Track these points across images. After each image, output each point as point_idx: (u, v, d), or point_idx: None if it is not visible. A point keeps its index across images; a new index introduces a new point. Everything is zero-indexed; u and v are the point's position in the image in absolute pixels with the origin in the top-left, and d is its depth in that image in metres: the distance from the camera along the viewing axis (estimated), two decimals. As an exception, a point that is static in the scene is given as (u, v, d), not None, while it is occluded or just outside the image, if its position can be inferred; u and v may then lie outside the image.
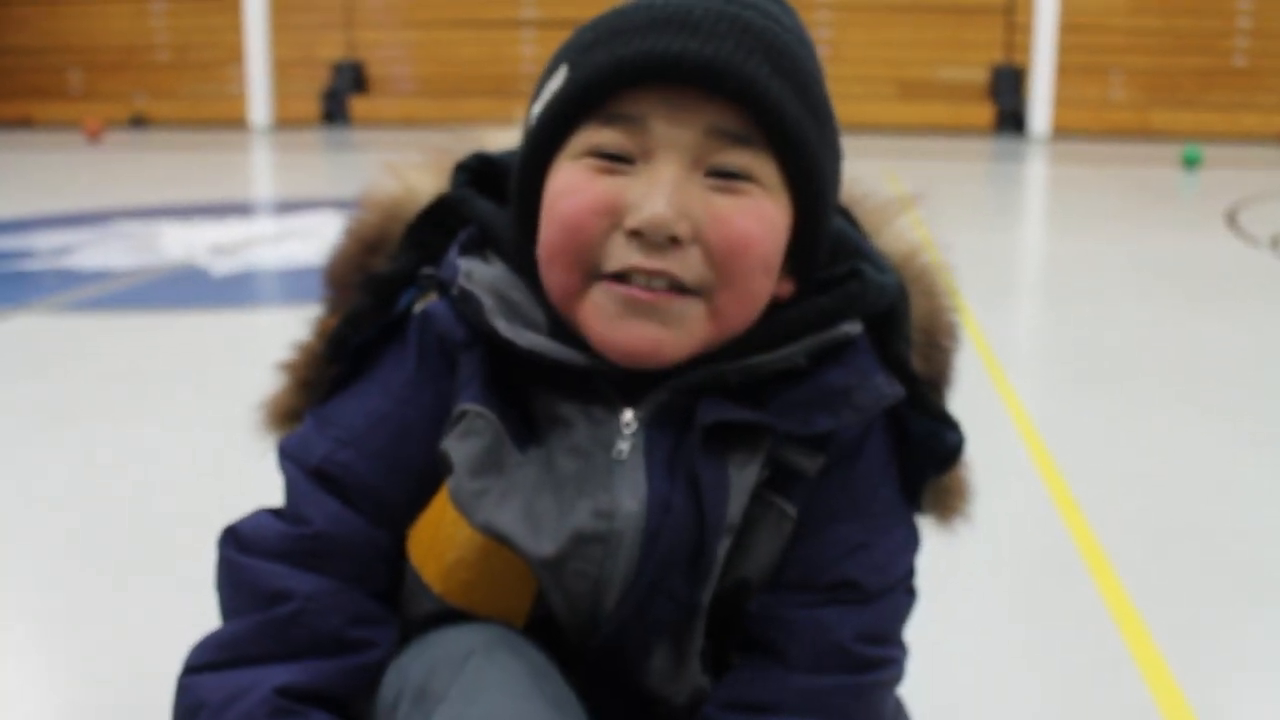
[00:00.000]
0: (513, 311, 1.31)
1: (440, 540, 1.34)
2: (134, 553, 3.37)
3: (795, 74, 1.27)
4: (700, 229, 1.24)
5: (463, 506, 1.29)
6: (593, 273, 1.26)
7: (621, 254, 1.25)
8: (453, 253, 1.36)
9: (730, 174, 1.26)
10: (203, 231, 9.44)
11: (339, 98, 24.24)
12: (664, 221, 1.22)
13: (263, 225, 10.10)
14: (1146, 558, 3.39)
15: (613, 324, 1.26)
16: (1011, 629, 2.99)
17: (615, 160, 1.26)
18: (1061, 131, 21.51)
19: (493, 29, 24.39)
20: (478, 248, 1.38)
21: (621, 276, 1.25)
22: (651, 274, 1.24)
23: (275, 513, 1.39)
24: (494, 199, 1.41)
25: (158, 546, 3.40)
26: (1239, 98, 22.54)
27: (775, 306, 1.33)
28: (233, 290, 7.49)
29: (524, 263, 1.34)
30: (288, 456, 1.39)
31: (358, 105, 24.22)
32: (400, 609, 1.40)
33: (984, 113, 22.76)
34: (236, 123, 22.88)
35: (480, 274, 1.33)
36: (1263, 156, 18.17)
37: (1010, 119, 22.41)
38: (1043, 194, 14.61)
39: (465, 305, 1.31)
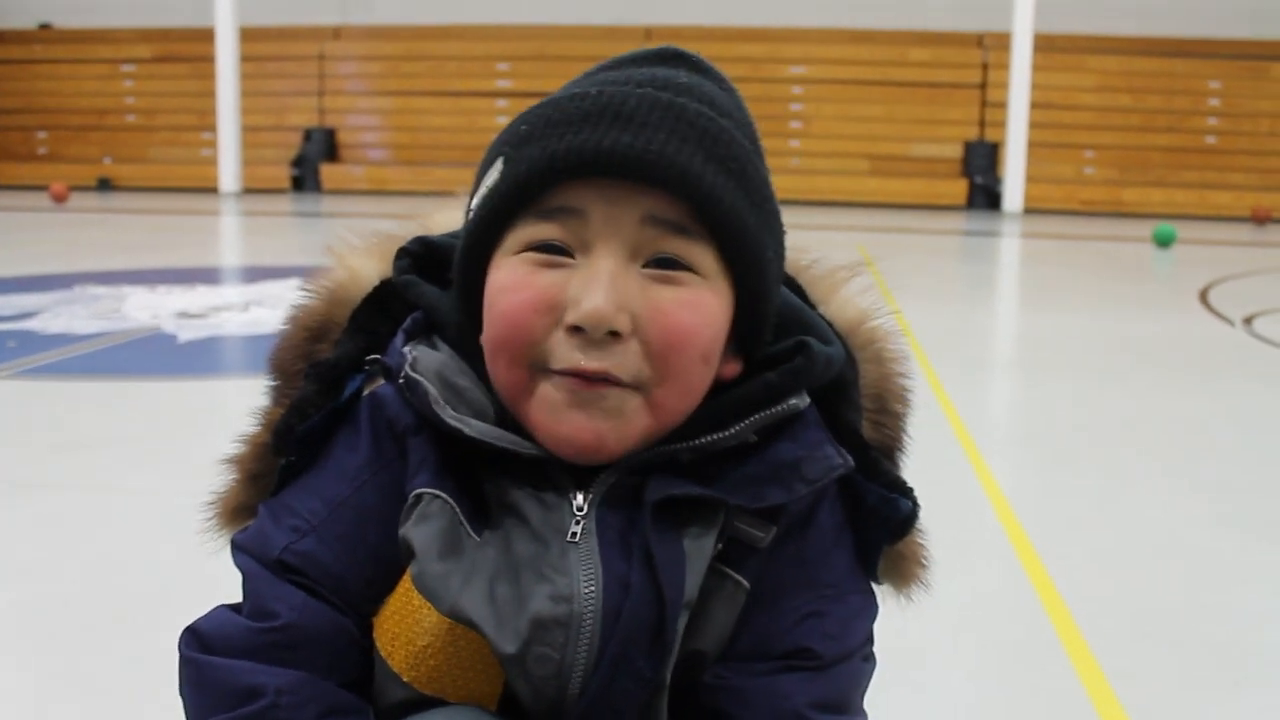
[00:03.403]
0: (459, 398, 1.31)
1: (407, 628, 1.32)
2: (91, 626, 3.28)
3: (730, 160, 1.27)
4: (639, 322, 1.24)
5: (428, 592, 1.27)
6: (536, 366, 1.26)
7: (563, 353, 1.24)
8: (399, 339, 1.35)
9: (669, 264, 1.26)
10: (169, 297, 9.34)
11: (309, 164, 24.28)
12: (603, 317, 1.22)
13: (230, 292, 10.04)
14: (1123, 638, 3.38)
15: (557, 417, 1.25)
16: (986, 708, 2.97)
17: (554, 253, 1.26)
18: (1035, 207, 21.67)
19: (466, 98, 24.51)
20: (423, 333, 1.37)
21: (563, 374, 1.25)
22: (592, 374, 1.24)
23: (236, 608, 1.34)
24: (437, 282, 1.40)
25: (117, 620, 3.32)
26: (1210, 176, 22.77)
27: (723, 385, 1.33)
28: (198, 357, 7.42)
29: (469, 348, 1.34)
30: (244, 551, 1.35)
31: (328, 172, 24.25)
32: (372, 699, 1.36)
33: (957, 188, 22.92)
34: (206, 188, 22.85)
35: (426, 361, 1.32)
36: (1235, 234, 18.33)
37: (984, 194, 22.58)
38: (1017, 270, 14.74)
39: (411, 394, 1.30)
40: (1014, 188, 21.82)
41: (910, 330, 1.80)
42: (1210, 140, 23.28)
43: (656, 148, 1.22)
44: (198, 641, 1.31)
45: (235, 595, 1.36)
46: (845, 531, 1.39)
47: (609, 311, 1.21)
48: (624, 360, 1.24)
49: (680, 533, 1.29)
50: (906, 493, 1.38)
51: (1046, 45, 21.94)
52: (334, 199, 22.24)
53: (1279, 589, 3.79)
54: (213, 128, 23.22)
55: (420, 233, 1.46)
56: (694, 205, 1.24)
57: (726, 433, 1.30)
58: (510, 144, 1.30)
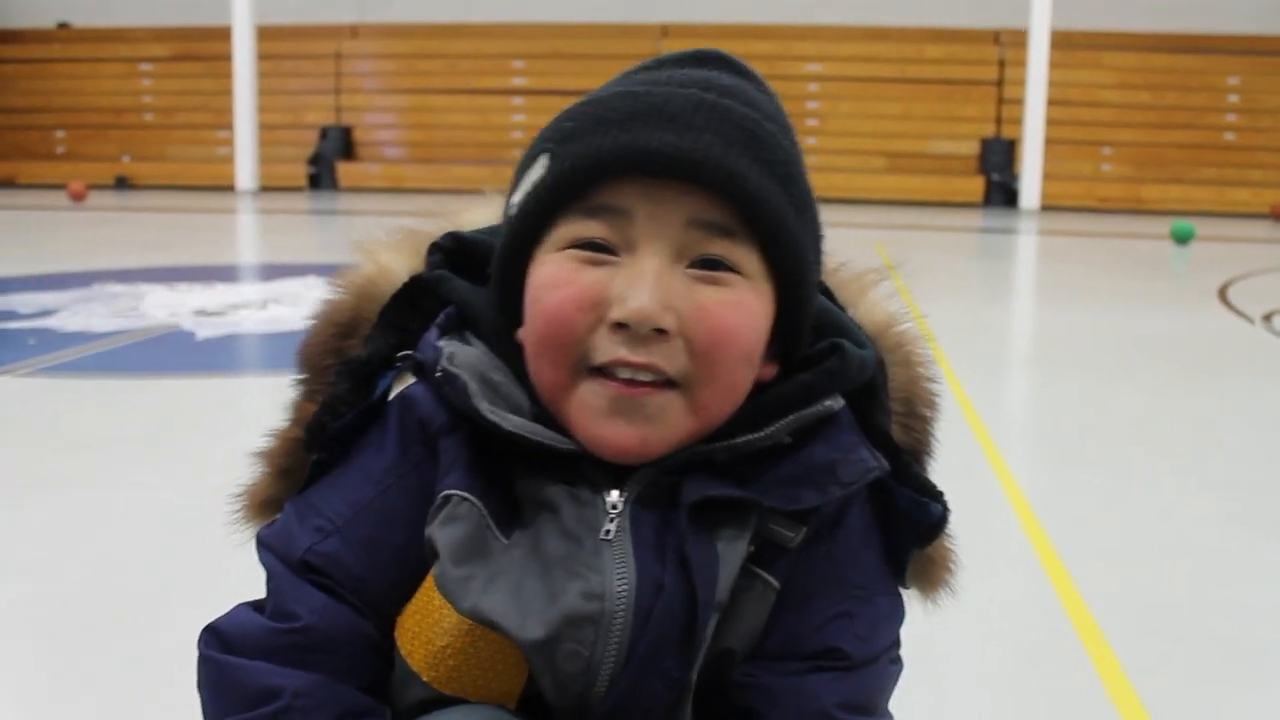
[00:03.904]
0: (495, 393, 1.30)
1: (427, 627, 1.31)
2: (105, 622, 3.25)
3: (775, 163, 1.27)
4: (684, 321, 1.25)
5: (448, 593, 1.28)
6: (579, 366, 1.26)
7: (607, 347, 1.24)
8: (432, 334, 1.35)
9: (713, 265, 1.26)
10: (187, 295, 9.35)
11: (326, 162, 24.30)
12: (648, 314, 1.22)
13: (248, 289, 10.04)
14: (1141, 634, 3.36)
15: (599, 421, 1.26)
16: (1006, 704, 2.96)
17: (599, 251, 1.26)
18: (1052, 204, 21.61)
19: (482, 96, 24.53)
20: (456, 328, 1.36)
21: (607, 369, 1.25)
22: (637, 367, 1.24)
23: (257, 607, 1.34)
24: (468, 278, 1.40)
25: (131, 617, 3.29)
26: (1229, 173, 22.70)
27: (759, 387, 1.33)
28: (216, 355, 7.42)
29: (504, 344, 1.34)
30: (268, 549, 1.36)
31: (344, 170, 24.28)
32: (391, 698, 1.37)
33: (974, 185, 22.88)
34: (223, 186, 22.89)
35: (462, 356, 1.32)
36: (1253, 231, 18.26)
37: (1000, 192, 22.53)
38: (1033, 267, 14.69)
39: (448, 388, 1.30)
40: (1031, 185, 21.76)
41: (926, 327, 1.81)
42: (1229, 137, 23.20)
43: (703, 149, 1.23)
44: (218, 640, 1.32)
45: (242, 594, 1.36)
46: (874, 533, 1.39)
47: (654, 309, 1.22)
48: (669, 356, 1.24)
49: (714, 534, 1.30)
50: (937, 497, 1.38)
51: (1063, 42, 21.89)
52: (350, 197, 22.25)
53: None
54: (230, 126, 23.27)
55: (451, 229, 1.46)
56: (739, 207, 1.24)
57: (762, 433, 1.30)
58: (555, 140, 1.29)
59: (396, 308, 1.40)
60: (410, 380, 1.35)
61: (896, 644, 1.42)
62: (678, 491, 1.30)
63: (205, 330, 7.96)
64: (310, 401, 1.41)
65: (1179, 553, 4.06)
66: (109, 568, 3.69)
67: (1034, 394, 7.09)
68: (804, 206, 1.31)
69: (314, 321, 1.46)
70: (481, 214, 1.50)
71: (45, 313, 8.48)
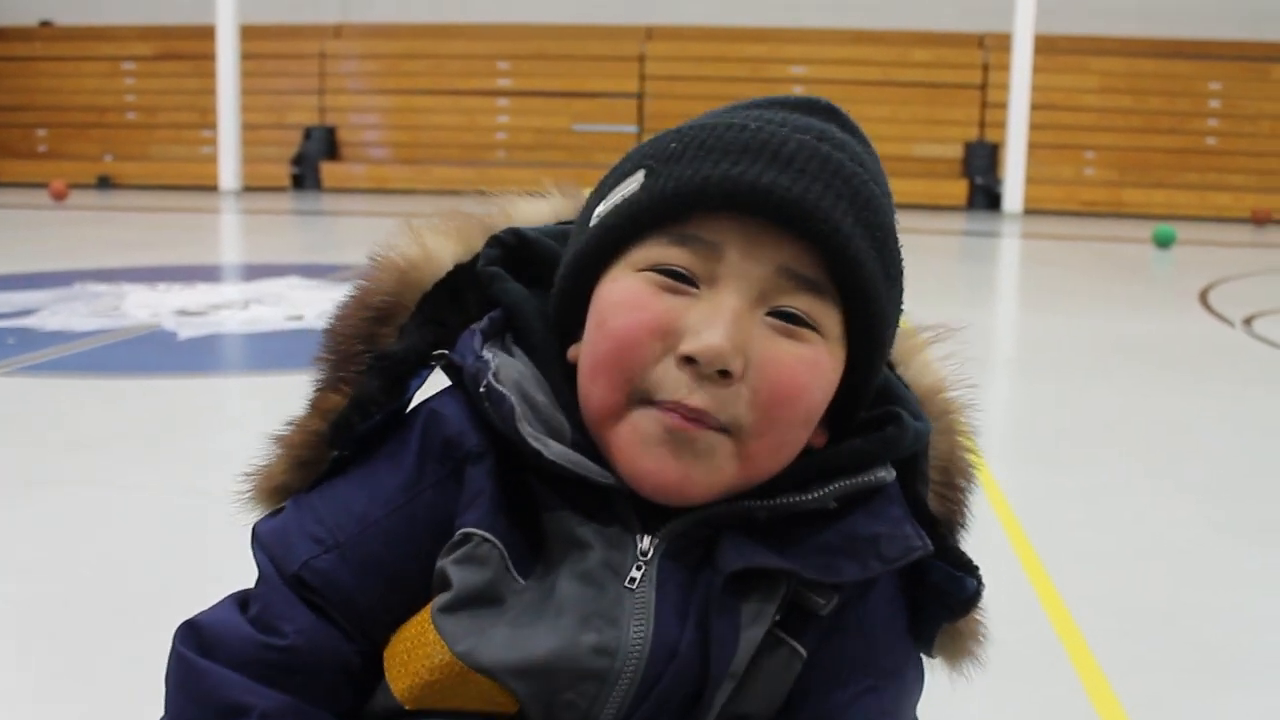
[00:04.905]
0: (535, 416, 1.24)
1: (416, 658, 1.26)
2: (90, 625, 3.25)
3: (877, 227, 1.23)
4: (752, 368, 1.19)
5: (446, 634, 1.23)
6: (635, 394, 1.21)
7: (670, 384, 1.19)
8: (475, 340, 1.28)
9: (794, 318, 1.21)
10: (168, 295, 9.32)
11: (310, 162, 24.26)
12: (720, 353, 1.17)
13: (229, 289, 10.02)
14: (1121, 637, 3.37)
15: (645, 451, 1.20)
16: (986, 706, 2.95)
17: (679, 279, 1.21)
18: (1035, 208, 21.65)
19: (467, 97, 24.48)
20: (499, 334, 1.30)
21: (664, 405, 1.20)
22: (691, 412, 1.19)
23: (242, 604, 1.30)
24: (521, 280, 1.34)
25: (118, 618, 3.29)
26: (1210, 178, 22.75)
27: (804, 451, 1.27)
28: (198, 355, 7.40)
29: (548, 358, 1.29)
30: (264, 550, 1.31)
31: (328, 170, 24.23)
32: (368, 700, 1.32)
33: (958, 189, 22.91)
34: (206, 186, 22.82)
35: (506, 371, 1.25)
36: (1234, 236, 18.31)
37: (984, 195, 22.56)
38: (1016, 270, 14.72)
39: (489, 406, 1.24)
40: (1014, 188, 21.79)
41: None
42: (1211, 142, 23.26)
43: (813, 197, 1.18)
44: (195, 639, 1.27)
45: (237, 589, 1.33)
46: (901, 602, 1.35)
47: (727, 349, 1.17)
48: (728, 403, 1.19)
49: (741, 600, 1.25)
50: (972, 571, 1.35)
51: (1047, 46, 21.91)
52: (334, 197, 22.20)
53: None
54: (213, 125, 23.18)
55: (504, 221, 1.40)
56: (833, 263, 1.20)
57: (808, 496, 1.25)
58: (656, 158, 1.24)
59: (437, 300, 1.34)
60: (440, 381, 1.31)
61: (913, 714, 1.40)
62: (709, 547, 1.25)
63: (187, 330, 7.94)
64: (334, 391, 1.33)
65: (1157, 555, 4.09)
66: (105, 566, 3.70)
67: (1016, 397, 7.10)
68: (895, 277, 1.28)
69: (348, 301, 1.38)
70: (533, 210, 1.45)
71: (25, 312, 8.44)
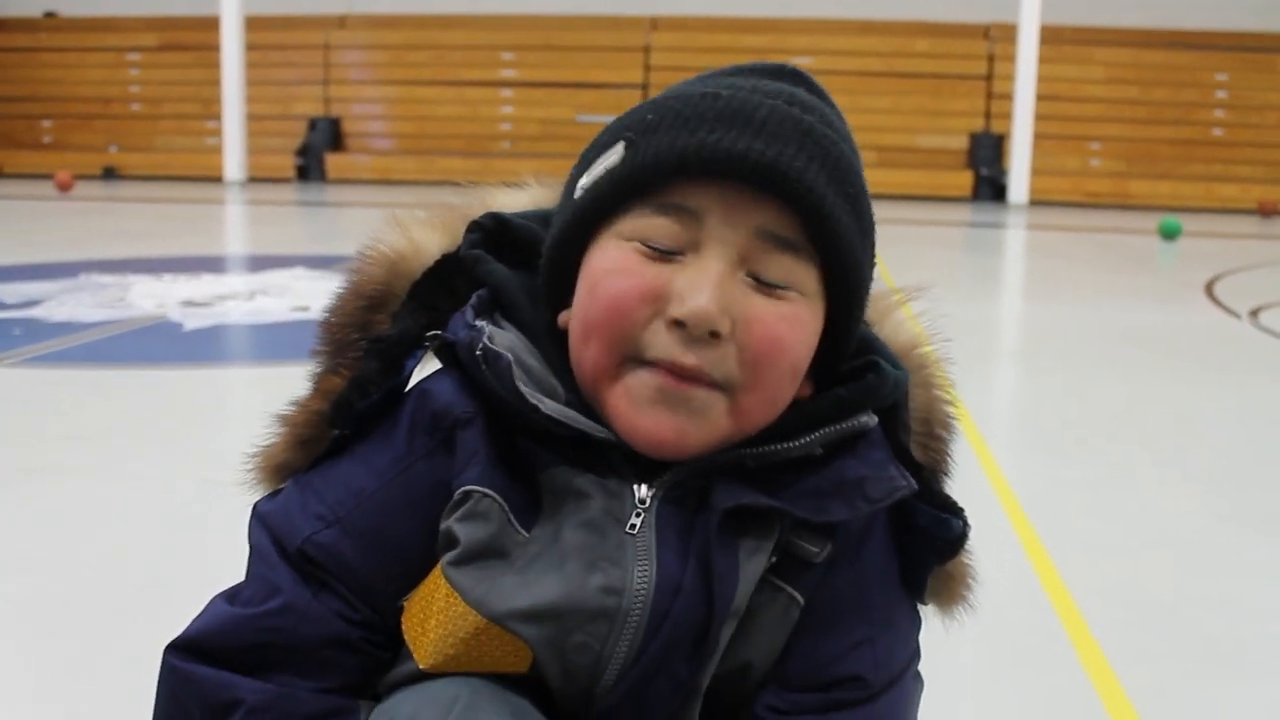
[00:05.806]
0: (529, 377, 1.30)
1: (431, 615, 1.31)
2: (100, 616, 3.26)
3: (849, 185, 1.29)
4: (738, 327, 1.26)
5: (458, 586, 1.28)
6: (628, 356, 1.27)
7: (662, 344, 1.26)
8: (467, 314, 1.34)
9: (773, 278, 1.28)
10: (174, 285, 9.33)
11: (314, 153, 24.24)
12: (708, 316, 1.23)
13: (235, 280, 10.03)
14: (1127, 627, 3.37)
15: (640, 410, 1.26)
16: (991, 696, 2.96)
17: (664, 253, 1.27)
18: (1040, 199, 21.60)
19: (471, 88, 24.46)
20: (489, 311, 1.36)
21: (657, 363, 1.26)
22: (685, 370, 1.25)
23: (230, 599, 1.34)
24: (504, 261, 1.40)
25: (124, 611, 3.29)
26: (1217, 169, 22.70)
27: (793, 402, 1.34)
28: (204, 345, 7.41)
29: (539, 329, 1.35)
30: (267, 528, 1.35)
31: (333, 161, 24.22)
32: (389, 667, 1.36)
33: (963, 180, 22.86)
34: (211, 177, 22.81)
35: (500, 338, 1.31)
36: (1240, 227, 18.29)
37: (989, 186, 22.51)
38: (1021, 261, 14.70)
39: (487, 368, 1.29)
40: (1019, 179, 21.73)
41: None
42: (1217, 133, 23.20)
43: (786, 159, 1.24)
44: (185, 648, 1.32)
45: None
46: (894, 552, 1.40)
47: (714, 312, 1.23)
48: (719, 361, 1.25)
49: (737, 542, 1.31)
50: (957, 512, 1.40)
51: (1052, 37, 21.87)
52: (339, 188, 22.20)
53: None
54: (218, 116, 23.18)
55: (484, 209, 1.45)
56: (809, 223, 1.26)
57: (795, 443, 1.31)
58: (634, 130, 1.30)
59: (428, 286, 1.40)
60: (435, 364, 1.35)
61: (916, 657, 1.45)
62: (704, 494, 1.31)
63: (192, 321, 7.95)
64: (334, 374, 1.39)
65: (1162, 545, 4.09)
66: (110, 559, 3.69)
67: (1021, 387, 7.11)
68: (867, 232, 1.33)
69: (341, 292, 1.45)
70: (515, 200, 1.50)
71: (31, 303, 8.46)
